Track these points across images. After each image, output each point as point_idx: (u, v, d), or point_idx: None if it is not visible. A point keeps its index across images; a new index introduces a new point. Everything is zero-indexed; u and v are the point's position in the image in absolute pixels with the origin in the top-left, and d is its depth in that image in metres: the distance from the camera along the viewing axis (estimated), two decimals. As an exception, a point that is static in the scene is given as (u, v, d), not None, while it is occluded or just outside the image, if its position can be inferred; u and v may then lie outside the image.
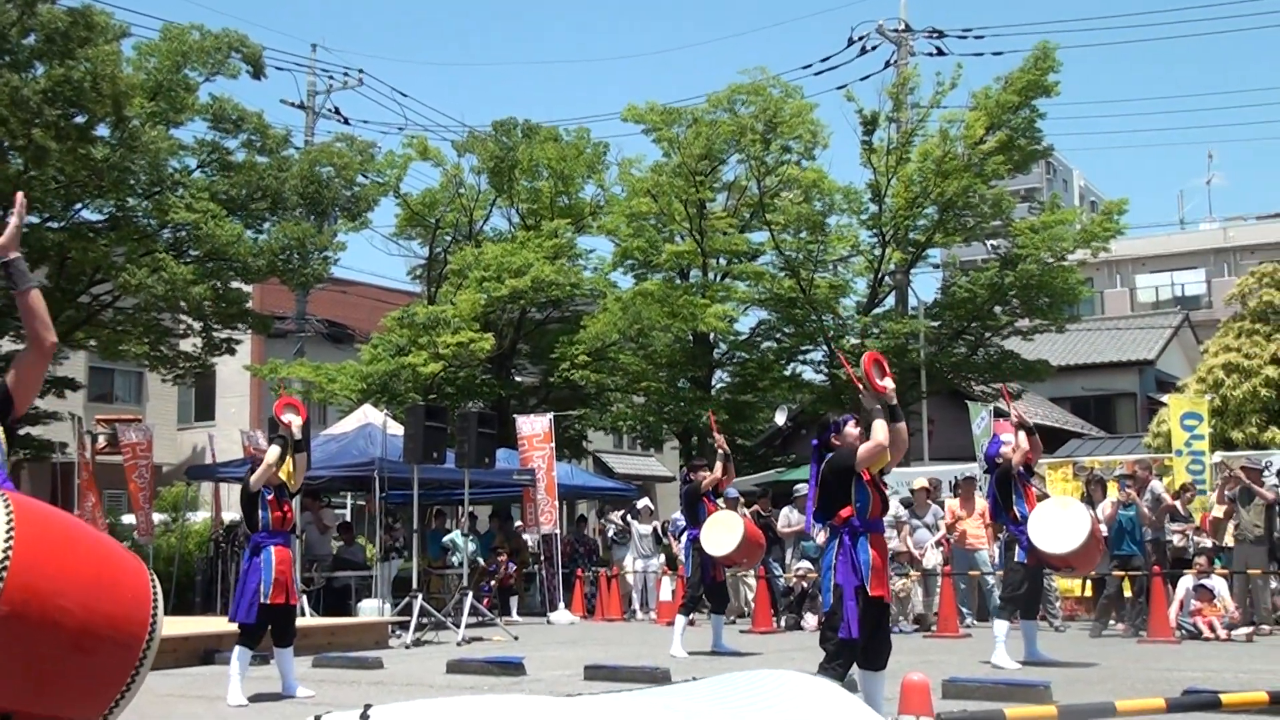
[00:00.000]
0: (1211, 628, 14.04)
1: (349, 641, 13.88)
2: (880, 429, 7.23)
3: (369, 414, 19.55)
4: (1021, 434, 11.48)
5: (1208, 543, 15.68)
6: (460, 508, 18.39)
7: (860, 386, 7.40)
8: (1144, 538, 14.92)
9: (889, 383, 7.31)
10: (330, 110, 29.53)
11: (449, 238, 28.25)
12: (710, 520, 12.89)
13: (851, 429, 7.54)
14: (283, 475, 10.12)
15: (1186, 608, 14.42)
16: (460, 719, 3.85)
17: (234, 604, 10.16)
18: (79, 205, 20.53)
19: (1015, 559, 11.45)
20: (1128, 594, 15.13)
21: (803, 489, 18.17)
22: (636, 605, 20.25)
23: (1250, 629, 14.22)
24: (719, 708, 4.37)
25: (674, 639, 12.76)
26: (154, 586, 3.44)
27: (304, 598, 16.06)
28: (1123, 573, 14.84)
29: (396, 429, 17.84)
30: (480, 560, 19.70)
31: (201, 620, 15.77)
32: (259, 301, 26.69)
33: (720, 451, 12.96)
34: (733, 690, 4.60)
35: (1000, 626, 11.32)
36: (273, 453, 10.00)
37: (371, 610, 16.06)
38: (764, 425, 30.12)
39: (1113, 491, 15.35)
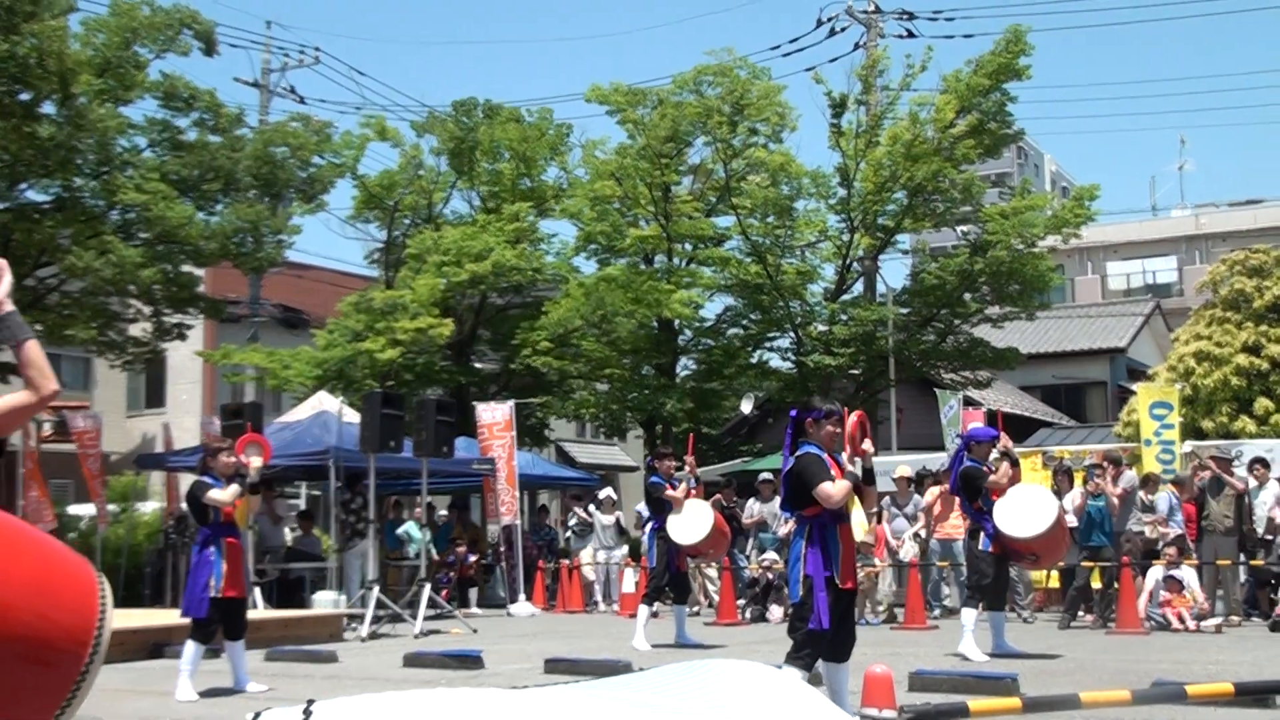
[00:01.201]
0: (1181, 619, 14.20)
1: (303, 634, 13.84)
2: (838, 491, 7.31)
3: (324, 401, 19.47)
4: (1005, 463, 11.59)
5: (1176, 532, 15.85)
6: (418, 498, 18.34)
7: (846, 446, 7.57)
8: (1114, 529, 15.05)
9: (868, 445, 7.56)
10: (285, 89, 29.34)
11: (407, 221, 28.12)
12: (678, 509, 12.92)
13: (831, 427, 7.55)
14: (236, 516, 10.14)
15: (1155, 599, 14.57)
16: (402, 714, 3.85)
17: (185, 597, 10.11)
18: (24, 185, 20.29)
19: (980, 547, 11.55)
20: (1097, 585, 15.27)
21: (768, 477, 18.26)
22: (598, 597, 20.28)
23: (1219, 620, 14.39)
24: (667, 697, 4.39)
25: (636, 631, 12.79)
26: (102, 588, 3.38)
27: (257, 590, 15.99)
28: (1092, 564, 14.97)
29: (352, 416, 17.78)
30: (434, 551, 19.67)
31: (151, 613, 15.67)
32: (211, 285, 26.47)
33: (691, 476, 13.06)
34: (681, 680, 4.62)
35: (968, 616, 11.42)
36: (231, 491, 9.94)
37: (326, 602, 16.01)
38: (730, 414, 30.19)
39: (1080, 482, 15.50)
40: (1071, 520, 14.66)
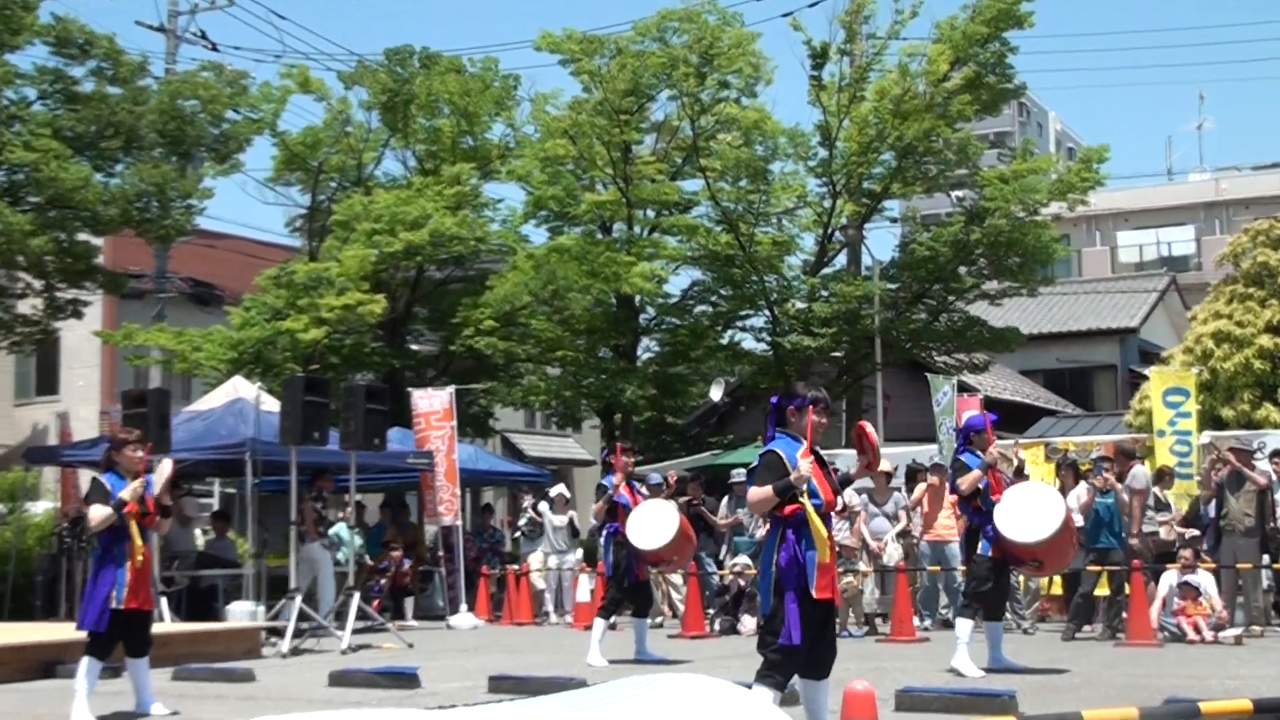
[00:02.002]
0: (1197, 629, 14.34)
1: (215, 650, 13.78)
2: (756, 497, 7.56)
3: (240, 387, 19.35)
4: (982, 468, 11.68)
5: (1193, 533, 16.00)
6: (346, 496, 18.27)
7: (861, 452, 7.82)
8: (1125, 530, 15.15)
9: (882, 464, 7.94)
10: (195, 34, 29.01)
11: (334, 184, 27.96)
12: (639, 510, 12.94)
13: (815, 416, 7.58)
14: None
15: (1169, 607, 14.71)
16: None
17: (81, 609, 10.03)
18: (-108, 141, 20.06)
19: (979, 552, 11.62)
20: (1104, 592, 15.40)
21: (741, 474, 18.26)
22: (550, 607, 20.29)
23: (1239, 630, 14.54)
24: (610, 716, 4.40)
25: (592, 646, 12.81)
26: None
27: (163, 600, 15.90)
28: (1099, 568, 15.09)
29: (272, 405, 17.69)
30: (368, 557, 19.61)
31: (42, 627, 15.55)
32: (111, 257, 26.21)
33: (670, 489, 13.13)
34: (627, 697, 4.63)
35: (962, 627, 11.50)
36: (131, 490, 9.78)
37: (242, 614, 15.95)
38: (698, 401, 30.25)
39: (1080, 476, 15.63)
40: (1078, 520, 14.77)
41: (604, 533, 13.63)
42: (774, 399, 7.68)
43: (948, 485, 16.36)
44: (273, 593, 17.07)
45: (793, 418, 7.61)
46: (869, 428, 7.87)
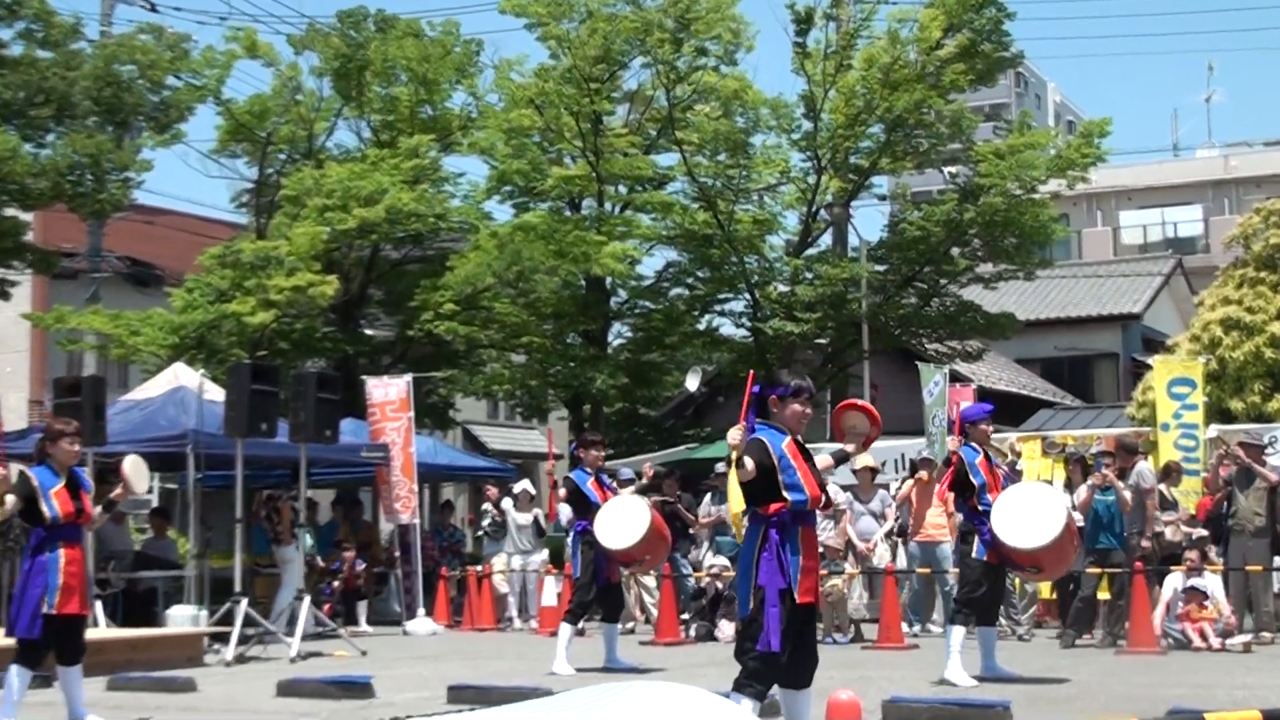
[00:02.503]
0: (1203, 635, 14.42)
1: (154, 658, 13.74)
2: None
3: (181, 375, 19.25)
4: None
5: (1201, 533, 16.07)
6: (296, 492, 18.22)
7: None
8: (1126, 530, 15.20)
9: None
10: (133, -7, 28.83)
11: (283, 156, 27.82)
12: (608, 507, 12.92)
13: (798, 406, 7.58)
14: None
15: (1174, 612, 14.79)
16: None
17: (11, 614, 9.97)
18: None
19: (973, 554, 11.65)
20: (1104, 596, 15.46)
21: (721, 468, 18.29)
22: (514, 612, 20.29)
23: (1248, 637, 14.63)
24: None
25: (558, 653, 12.80)
26: None
27: (98, 604, 15.84)
28: (1099, 570, 15.15)
29: (216, 393, 17.61)
30: (319, 558, 19.54)
31: (-33, 633, 15.47)
32: (41, 234, 26.06)
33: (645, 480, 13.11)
34: (593, 705, 4.64)
35: (955, 635, 11.53)
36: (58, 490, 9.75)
37: (184, 619, 15.90)
38: (673, 391, 30.28)
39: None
40: (1077, 520, 14.82)
41: (571, 531, 13.61)
42: (755, 387, 7.67)
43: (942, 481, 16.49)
44: (216, 596, 17.01)
45: (775, 408, 7.59)
46: (859, 401, 7.89)
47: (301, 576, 17.46)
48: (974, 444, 11.91)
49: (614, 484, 14.13)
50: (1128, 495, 15.15)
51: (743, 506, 13.51)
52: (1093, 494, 15.14)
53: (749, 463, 7.32)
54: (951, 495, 12.62)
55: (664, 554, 13.74)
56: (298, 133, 27.49)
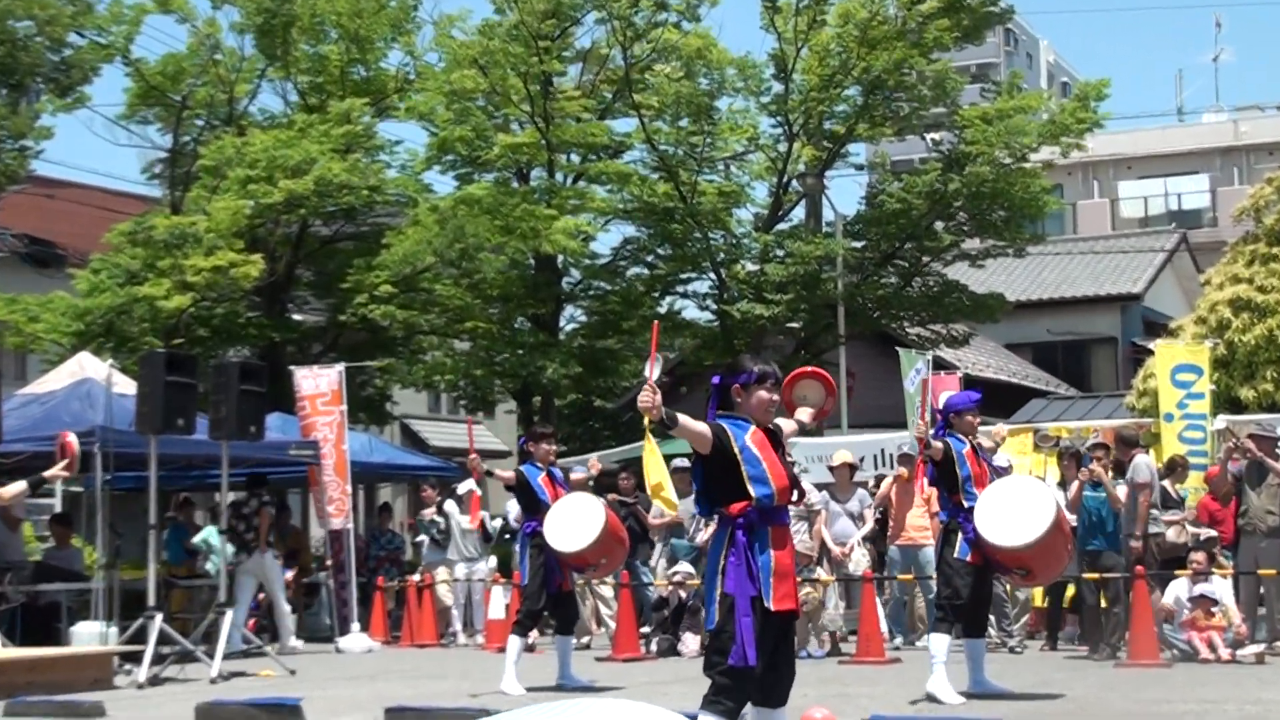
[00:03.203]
0: (1211, 646, 14.49)
1: (58, 680, 13.61)
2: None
3: (87, 365, 19.12)
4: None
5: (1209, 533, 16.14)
6: (216, 494, 18.14)
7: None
8: (1119, 530, 15.22)
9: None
10: (30, -58, 28.63)
11: (200, 122, 27.70)
12: (559, 505, 12.90)
13: (764, 393, 7.54)
14: None
15: (1178, 620, 14.86)
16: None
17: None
18: None
19: (955, 554, 11.66)
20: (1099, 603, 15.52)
21: (684, 463, 18.23)
22: (458, 625, 20.23)
23: (1261, 647, 14.70)
24: None
25: (506, 670, 12.77)
26: None
27: (-7, 620, 15.75)
28: (1095, 575, 15.19)
29: (127, 386, 17.50)
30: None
31: None
32: (-70, 209, 25.86)
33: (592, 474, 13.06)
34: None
35: (938, 644, 11.51)
36: None
37: (91, 636, 15.80)
38: (631, 381, 30.23)
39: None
40: (1070, 520, 14.85)
41: (520, 533, 13.55)
42: (715, 378, 7.65)
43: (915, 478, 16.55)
44: (127, 611, 16.91)
45: (739, 397, 7.56)
46: (809, 368, 7.90)
47: (281, 585, 17.48)
48: (959, 434, 11.91)
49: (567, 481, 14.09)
50: (1121, 491, 15.15)
51: (662, 478, 13.59)
52: (1082, 490, 15.18)
53: (698, 427, 7.34)
54: (935, 491, 12.63)
55: (621, 558, 13.72)
56: (216, 96, 27.32)
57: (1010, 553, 11.41)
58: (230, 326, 25.85)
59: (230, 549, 17.78)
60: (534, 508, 13.06)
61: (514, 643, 13.04)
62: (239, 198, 24.27)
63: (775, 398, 7.59)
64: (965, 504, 11.62)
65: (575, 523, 12.69)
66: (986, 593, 12.23)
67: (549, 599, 13.07)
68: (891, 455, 18.29)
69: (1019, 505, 11.44)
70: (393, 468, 24.44)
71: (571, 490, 13.47)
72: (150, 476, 15.66)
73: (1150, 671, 13.57)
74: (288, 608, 19.04)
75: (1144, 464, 15.70)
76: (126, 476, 18.18)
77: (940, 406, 12.80)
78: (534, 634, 13.87)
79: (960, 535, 11.64)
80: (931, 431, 11.78)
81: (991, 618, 16.01)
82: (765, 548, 7.44)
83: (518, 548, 13.60)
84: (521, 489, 13.24)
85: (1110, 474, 15.35)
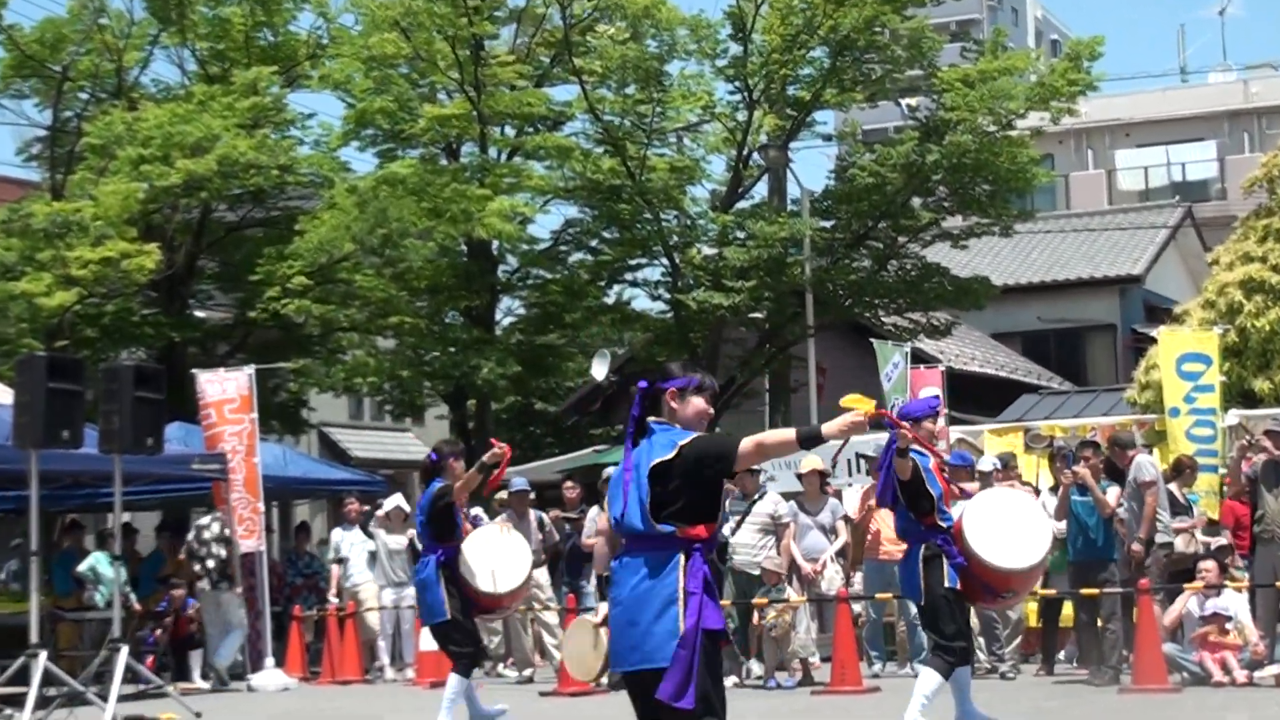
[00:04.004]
0: (1225, 667, 14.51)
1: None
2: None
3: (-43, 372, 18.99)
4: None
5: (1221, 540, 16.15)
6: (108, 515, 17.99)
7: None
8: (1111, 539, 15.16)
9: None
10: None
11: (85, 96, 27.51)
12: (479, 537, 12.88)
13: (702, 402, 7.46)
14: None
15: (1187, 638, 14.88)
16: None
17: None
18: None
19: (946, 585, 11.47)
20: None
21: (610, 473, 18.21)
22: (385, 659, 20.13)
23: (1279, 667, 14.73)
24: None
25: (442, 709, 12.65)
26: None
27: None
28: (1099, 590, 15.15)
29: (3, 395, 17.37)
30: (133, 597, 19.25)
31: None
32: None
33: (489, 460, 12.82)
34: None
35: (928, 681, 11.32)
36: None
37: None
38: (576, 381, 30.22)
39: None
40: (1059, 529, 14.88)
41: (428, 561, 13.11)
42: (642, 384, 7.54)
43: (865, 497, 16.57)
44: (6, 648, 16.77)
45: (674, 403, 7.47)
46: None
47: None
48: (919, 447, 11.57)
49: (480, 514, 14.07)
50: (1112, 495, 15.09)
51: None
52: (1068, 496, 15.12)
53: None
54: (892, 514, 12.44)
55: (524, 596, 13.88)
56: (103, 66, 27.13)
57: (1009, 574, 11.34)
58: (123, 326, 25.69)
59: (123, 574, 17.66)
60: (449, 534, 12.83)
61: (454, 682, 12.86)
62: (130, 180, 24.09)
63: (711, 411, 7.53)
64: (942, 525, 11.50)
65: (498, 560, 12.66)
66: (967, 619, 12.15)
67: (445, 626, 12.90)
68: (866, 461, 18.22)
69: (1014, 522, 11.37)
70: (310, 482, 24.32)
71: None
72: (32, 496, 15.49)
73: (1157, 697, 13.60)
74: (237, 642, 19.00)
75: (1147, 461, 15.71)
76: (4, 497, 18.05)
77: (899, 411, 12.67)
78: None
79: (945, 562, 11.47)
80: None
81: (981, 641, 16.08)
82: (707, 568, 7.37)
83: (424, 577, 13.17)
84: (442, 512, 12.98)
85: (1102, 477, 15.28)
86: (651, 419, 7.45)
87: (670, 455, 7.24)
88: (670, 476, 7.26)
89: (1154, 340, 21.72)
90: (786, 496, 17.57)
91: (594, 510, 18.53)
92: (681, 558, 7.35)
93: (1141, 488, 15.35)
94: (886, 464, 11.66)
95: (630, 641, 7.22)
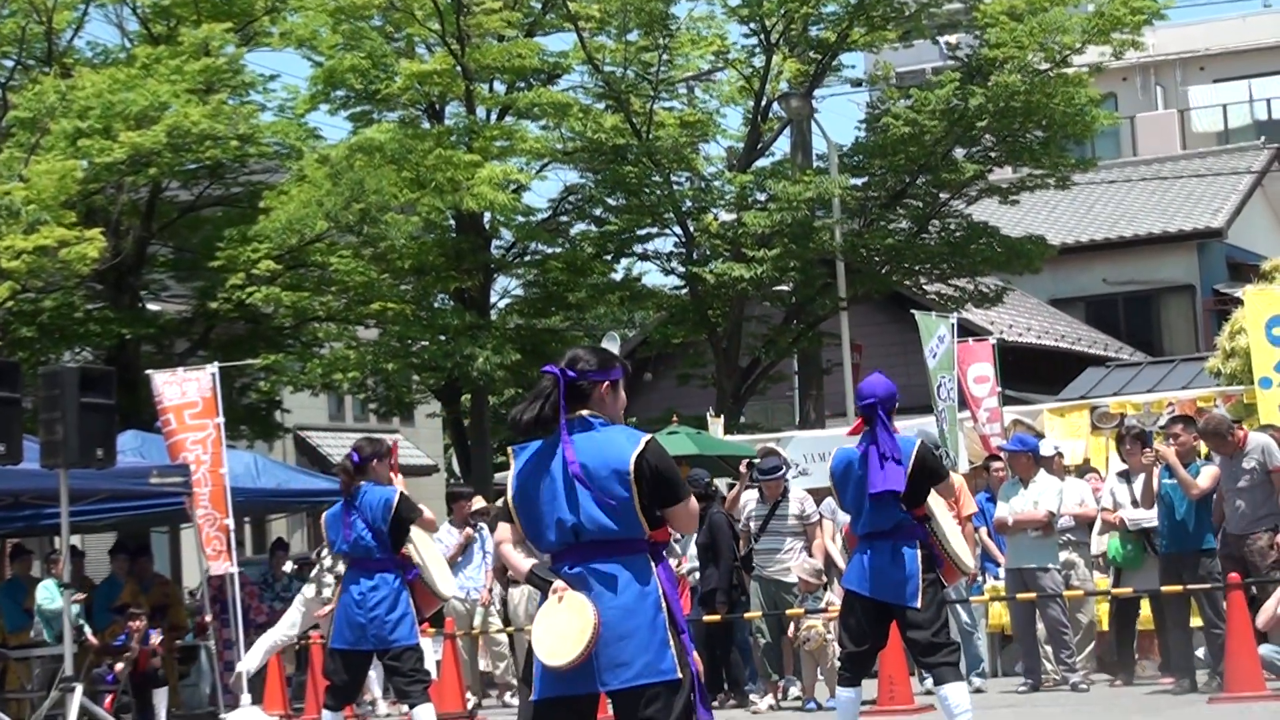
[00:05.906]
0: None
1: None
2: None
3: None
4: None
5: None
6: (56, 539, 17.98)
7: None
8: (1204, 526, 15.05)
9: None
10: None
11: (10, 63, 27.46)
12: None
13: (623, 395, 7.66)
14: None
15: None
16: None
17: None
18: None
19: (945, 588, 11.60)
20: (1197, 624, 15.45)
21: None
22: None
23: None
24: None
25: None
26: None
27: None
28: (1180, 588, 15.07)
29: (-68, 406, 17.36)
30: (88, 630, 19.25)
31: None
32: None
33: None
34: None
35: (957, 694, 11.25)
36: None
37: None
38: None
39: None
40: (1148, 516, 14.81)
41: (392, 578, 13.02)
42: (571, 373, 7.52)
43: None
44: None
45: (606, 396, 7.57)
46: None
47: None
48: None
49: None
50: (1206, 476, 14.90)
51: None
52: (1157, 478, 14.99)
53: None
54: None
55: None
56: (30, 29, 27.05)
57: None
58: (64, 323, 25.69)
59: (75, 609, 17.65)
60: (400, 546, 12.88)
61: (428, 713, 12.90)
62: (67, 157, 24.05)
63: (624, 401, 7.70)
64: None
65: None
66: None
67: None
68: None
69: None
70: (286, 494, 24.18)
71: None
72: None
73: (1254, 705, 13.50)
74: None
75: (1273, 444, 15.11)
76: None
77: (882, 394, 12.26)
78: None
79: (937, 566, 11.47)
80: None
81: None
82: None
83: (388, 596, 13.08)
84: (405, 521, 12.93)
85: (1197, 458, 15.14)
86: (585, 412, 7.53)
87: (634, 455, 7.34)
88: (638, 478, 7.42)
89: (1239, 301, 21.62)
90: (818, 495, 17.44)
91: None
92: (651, 561, 7.48)
93: (1272, 476, 14.87)
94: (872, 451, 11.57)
95: (623, 658, 7.31)
